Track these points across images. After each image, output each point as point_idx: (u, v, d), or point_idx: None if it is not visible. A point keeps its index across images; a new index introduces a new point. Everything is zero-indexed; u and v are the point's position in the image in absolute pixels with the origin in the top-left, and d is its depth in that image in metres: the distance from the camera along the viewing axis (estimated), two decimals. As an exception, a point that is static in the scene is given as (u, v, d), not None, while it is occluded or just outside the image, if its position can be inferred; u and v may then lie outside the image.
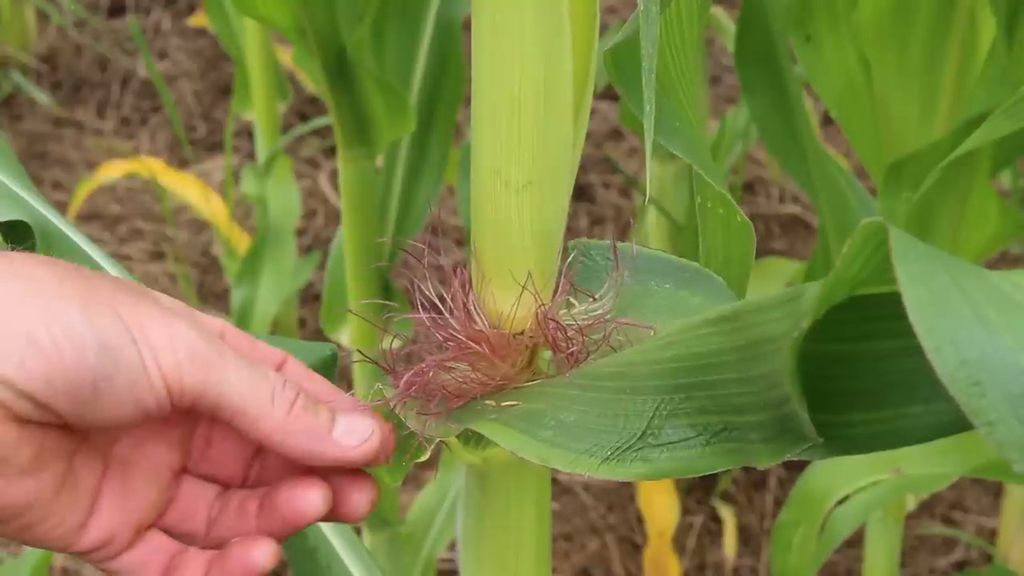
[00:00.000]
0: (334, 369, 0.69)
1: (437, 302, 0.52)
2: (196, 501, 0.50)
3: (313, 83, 1.98)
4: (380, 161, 1.30)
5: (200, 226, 2.18)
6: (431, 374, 0.51)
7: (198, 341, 0.45)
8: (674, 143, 0.51)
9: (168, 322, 0.45)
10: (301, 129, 1.87)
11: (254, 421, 0.46)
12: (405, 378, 0.50)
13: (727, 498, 1.76)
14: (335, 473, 0.49)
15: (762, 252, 1.99)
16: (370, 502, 0.49)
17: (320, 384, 0.51)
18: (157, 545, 0.49)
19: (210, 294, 2.07)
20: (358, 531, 1.22)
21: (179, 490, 0.50)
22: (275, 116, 1.72)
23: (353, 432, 0.48)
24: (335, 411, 0.48)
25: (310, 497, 0.48)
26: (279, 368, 0.51)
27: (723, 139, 1.78)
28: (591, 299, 0.53)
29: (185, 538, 0.50)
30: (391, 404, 0.51)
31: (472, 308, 0.51)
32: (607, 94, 2.32)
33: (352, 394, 0.51)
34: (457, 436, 0.53)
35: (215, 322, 0.50)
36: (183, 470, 0.50)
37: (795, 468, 1.64)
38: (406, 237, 1.26)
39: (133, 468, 0.48)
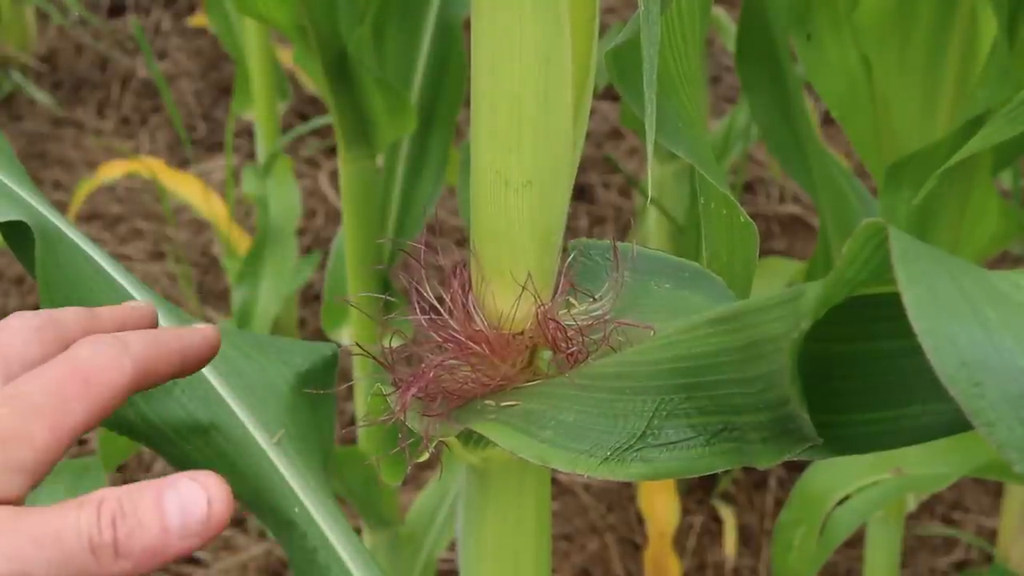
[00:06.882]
0: (335, 369, 0.69)
1: (436, 303, 0.52)
2: None
3: (313, 83, 1.97)
4: (380, 161, 1.30)
5: (200, 226, 2.18)
6: (431, 375, 0.51)
7: None
8: (676, 144, 0.51)
9: None
10: (301, 129, 1.87)
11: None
12: (410, 392, 0.50)
13: (727, 498, 1.76)
14: None
15: (762, 252, 1.98)
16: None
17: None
18: None
19: (210, 294, 2.07)
20: (358, 531, 1.22)
21: None
22: (275, 116, 1.72)
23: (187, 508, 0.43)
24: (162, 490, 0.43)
25: None
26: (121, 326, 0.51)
27: (727, 139, 1.78)
28: (591, 299, 0.53)
29: None
30: (394, 412, 0.50)
31: (472, 308, 0.51)
32: (607, 94, 2.32)
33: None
34: (457, 436, 0.53)
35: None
36: None
37: (795, 468, 1.64)
38: (406, 237, 1.26)
39: None
